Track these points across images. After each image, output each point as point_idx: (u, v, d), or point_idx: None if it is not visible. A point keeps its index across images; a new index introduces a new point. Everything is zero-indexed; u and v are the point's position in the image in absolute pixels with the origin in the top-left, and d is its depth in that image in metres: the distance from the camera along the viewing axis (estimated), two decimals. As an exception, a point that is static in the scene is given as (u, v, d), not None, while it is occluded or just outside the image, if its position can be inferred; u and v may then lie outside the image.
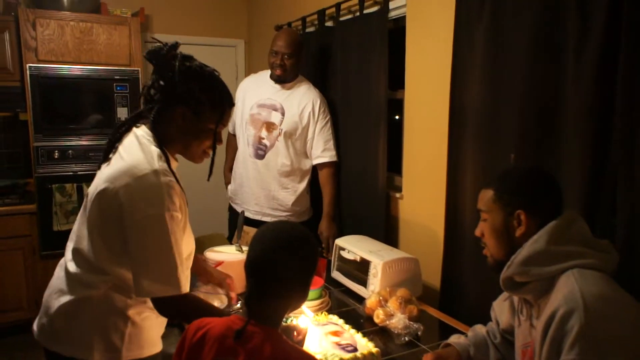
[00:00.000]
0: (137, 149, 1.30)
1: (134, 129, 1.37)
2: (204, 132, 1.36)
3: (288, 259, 1.08)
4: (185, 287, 1.29)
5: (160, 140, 1.32)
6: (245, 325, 1.05)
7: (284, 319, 1.19)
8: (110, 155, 1.34)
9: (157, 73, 1.34)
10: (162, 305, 1.28)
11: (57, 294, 1.35)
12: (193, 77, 1.33)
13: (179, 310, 1.31)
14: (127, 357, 1.30)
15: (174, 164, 1.37)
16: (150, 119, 1.33)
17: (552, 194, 1.22)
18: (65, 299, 1.32)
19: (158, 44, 1.33)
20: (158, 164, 1.27)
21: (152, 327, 1.35)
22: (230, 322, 1.10)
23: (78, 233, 1.35)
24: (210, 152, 1.42)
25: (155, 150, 1.30)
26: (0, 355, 3.00)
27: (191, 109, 1.32)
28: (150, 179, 1.24)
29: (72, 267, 1.33)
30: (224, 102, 1.37)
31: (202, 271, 1.72)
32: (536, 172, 1.26)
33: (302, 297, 1.15)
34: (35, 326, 1.38)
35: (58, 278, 1.38)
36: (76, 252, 1.34)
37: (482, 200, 1.28)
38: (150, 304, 1.31)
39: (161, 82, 1.32)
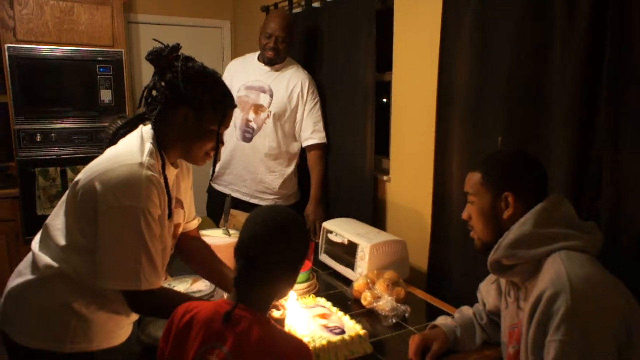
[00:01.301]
0: (133, 142, 1.30)
1: (141, 126, 1.37)
2: (206, 133, 1.35)
3: (281, 242, 1.08)
4: (153, 283, 1.25)
5: (161, 141, 1.32)
6: (234, 308, 1.05)
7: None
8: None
9: (158, 74, 1.33)
10: (130, 300, 1.26)
11: (15, 274, 1.34)
12: (195, 78, 1.31)
13: (150, 306, 1.28)
14: (73, 349, 1.27)
15: (171, 170, 1.35)
16: (152, 119, 1.32)
17: (538, 176, 1.23)
18: (18, 281, 1.31)
19: (159, 45, 1.32)
20: (145, 158, 1.26)
21: (103, 321, 1.31)
22: (217, 306, 1.09)
23: (55, 212, 1.33)
24: (212, 154, 1.41)
25: (149, 146, 1.29)
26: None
27: (193, 109, 1.31)
28: (132, 169, 1.22)
29: (35, 245, 1.32)
30: (225, 102, 1.37)
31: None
32: (523, 155, 1.27)
33: (291, 283, 1.15)
34: None
35: (25, 259, 1.36)
36: (45, 229, 1.32)
37: (469, 183, 1.29)
38: (100, 298, 1.28)
39: (162, 84, 1.32)
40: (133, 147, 1.28)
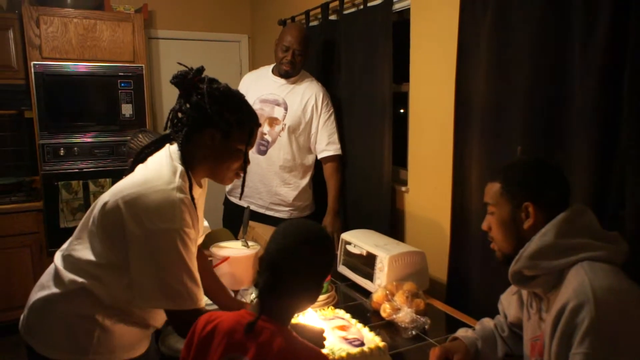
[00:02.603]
0: (164, 164, 1.32)
1: (168, 146, 1.39)
2: (233, 153, 1.38)
3: (309, 256, 1.08)
4: (198, 301, 1.27)
5: (188, 162, 1.34)
6: (257, 319, 1.05)
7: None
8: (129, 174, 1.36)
9: (183, 97, 1.36)
10: (176, 319, 1.28)
11: (38, 287, 1.36)
12: (221, 99, 1.34)
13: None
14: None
15: (197, 190, 1.37)
16: (179, 141, 1.35)
17: (559, 185, 1.21)
18: (41, 294, 1.32)
19: (183, 68, 1.36)
20: (177, 181, 1.28)
21: (125, 332, 1.32)
22: (239, 316, 1.10)
23: (81, 229, 1.34)
24: (241, 174, 1.44)
25: (180, 167, 1.32)
26: (11, 352, 3.03)
27: (220, 130, 1.34)
28: (165, 194, 1.24)
29: (58, 260, 1.33)
30: (251, 122, 1.40)
31: None
32: (543, 164, 1.25)
33: (314, 297, 1.15)
34: (21, 317, 1.39)
35: (46, 272, 1.38)
36: (70, 246, 1.34)
37: (488, 194, 1.27)
38: (120, 311, 1.30)
39: (188, 106, 1.34)
40: (164, 170, 1.30)
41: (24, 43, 3.24)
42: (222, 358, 1.05)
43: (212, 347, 1.07)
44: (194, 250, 1.29)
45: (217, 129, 1.33)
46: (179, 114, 1.37)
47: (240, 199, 1.60)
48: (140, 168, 1.36)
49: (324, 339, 1.35)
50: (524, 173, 1.24)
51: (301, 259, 1.08)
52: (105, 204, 1.27)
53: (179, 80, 1.34)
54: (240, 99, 1.40)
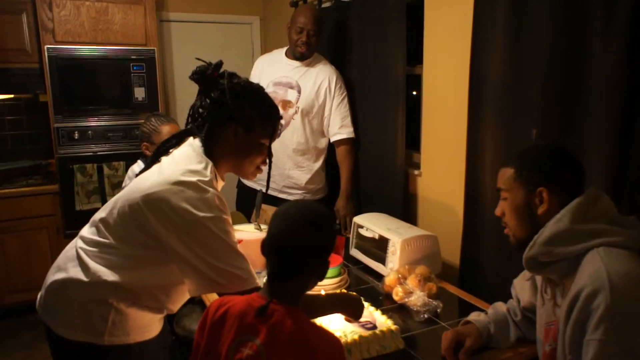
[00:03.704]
0: (192, 157, 1.34)
1: (190, 139, 1.41)
2: (256, 147, 1.40)
3: (312, 235, 1.09)
4: (256, 280, 1.31)
5: (212, 157, 1.36)
6: (269, 302, 1.06)
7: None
8: (153, 165, 1.38)
9: (204, 93, 1.37)
10: None
11: (55, 269, 1.38)
12: (242, 93, 1.35)
13: None
14: (111, 341, 1.30)
15: (220, 184, 1.39)
16: (202, 137, 1.37)
17: (574, 170, 1.19)
18: (58, 276, 1.34)
19: (202, 64, 1.36)
20: (209, 175, 1.31)
21: (138, 315, 1.34)
22: (250, 300, 1.11)
23: (107, 225, 1.34)
24: (263, 167, 1.46)
25: (210, 162, 1.34)
26: (32, 330, 3.11)
27: (242, 125, 1.35)
28: (201, 186, 1.27)
29: (83, 250, 1.34)
30: (272, 116, 1.41)
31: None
32: (557, 149, 1.23)
33: (321, 275, 1.15)
34: (38, 297, 1.42)
35: (63, 254, 1.40)
36: (98, 237, 1.34)
37: (501, 179, 1.26)
38: (133, 295, 1.31)
39: (209, 101, 1.35)
40: (195, 164, 1.32)
41: (37, 27, 3.25)
42: (234, 340, 1.07)
43: (224, 330, 1.09)
44: (234, 235, 1.31)
45: (240, 123, 1.35)
46: (200, 110, 1.38)
47: (266, 191, 1.61)
48: (167, 162, 1.37)
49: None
50: (538, 158, 1.22)
51: (304, 240, 1.08)
52: (137, 202, 1.28)
53: (198, 76, 1.35)
54: (261, 93, 1.41)
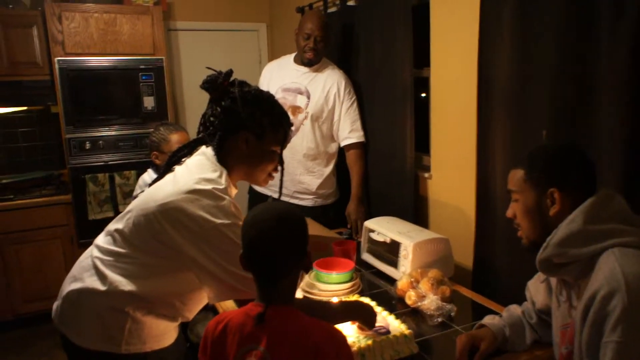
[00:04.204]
0: (206, 166, 1.35)
1: (202, 148, 1.42)
2: (268, 154, 1.41)
3: (285, 231, 1.09)
4: None
5: (224, 165, 1.37)
6: (265, 309, 1.07)
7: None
8: (167, 175, 1.40)
9: (214, 101, 1.38)
10: None
11: (70, 279, 1.39)
12: (253, 101, 1.36)
13: None
14: (128, 350, 1.31)
15: (233, 192, 1.40)
16: (214, 145, 1.38)
17: (585, 170, 1.18)
18: (74, 286, 1.35)
19: (213, 72, 1.37)
20: (224, 182, 1.33)
21: (154, 324, 1.35)
22: (246, 310, 1.12)
23: (123, 235, 1.35)
24: (275, 174, 1.47)
25: (224, 170, 1.36)
26: (47, 339, 3.14)
27: (254, 133, 1.36)
28: (217, 194, 1.29)
29: (99, 259, 1.34)
30: (283, 123, 1.42)
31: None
32: (567, 149, 1.22)
33: (306, 266, 1.15)
34: (53, 307, 1.43)
35: (78, 264, 1.41)
36: (114, 247, 1.35)
37: (512, 181, 1.25)
38: (148, 304, 1.32)
39: (219, 110, 1.37)
40: (209, 173, 1.33)
41: (47, 39, 3.30)
42: (237, 353, 1.07)
43: (226, 345, 1.10)
44: None
45: (251, 131, 1.36)
46: (211, 118, 1.39)
47: (279, 197, 1.62)
48: (180, 171, 1.38)
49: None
50: (548, 159, 1.21)
51: (277, 239, 1.08)
52: (152, 212, 1.29)
53: (209, 85, 1.37)
54: (272, 100, 1.42)
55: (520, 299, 1.50)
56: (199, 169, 1.35)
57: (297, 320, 1.08)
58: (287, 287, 1.12)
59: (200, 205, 1.26)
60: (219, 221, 1.25)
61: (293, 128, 2.59)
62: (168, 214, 1.27)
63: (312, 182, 2.66)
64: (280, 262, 1.09)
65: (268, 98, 1.41)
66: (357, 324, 1.49)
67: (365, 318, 1.46)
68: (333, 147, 2.69)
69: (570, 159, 1.19)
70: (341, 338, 1.10)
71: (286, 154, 2.60)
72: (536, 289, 1.42)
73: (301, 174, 2.65)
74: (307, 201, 2.69)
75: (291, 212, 1.13)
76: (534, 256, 1.18)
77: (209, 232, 1.25)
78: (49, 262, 3.35)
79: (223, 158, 1.37)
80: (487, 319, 1.46)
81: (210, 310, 2.03)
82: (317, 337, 1.06)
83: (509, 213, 1.27)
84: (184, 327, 1.89)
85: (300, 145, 2.62)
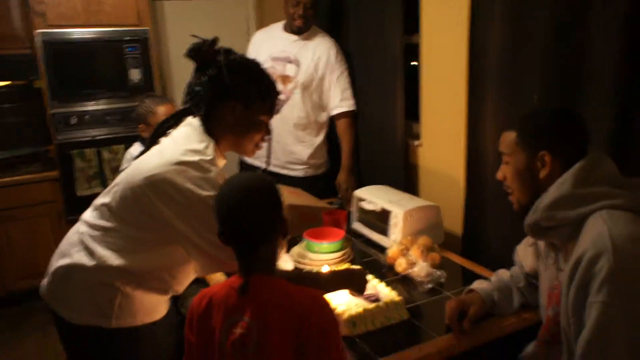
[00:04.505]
0: (193, 137, 1.33)
1: (189, 119, 1.38)
2: (255, 124, 1.38)
3: (260, 198, 1.08)
4: None
5: (211, 136, 1.34)
6: (247, 280, 1.07)
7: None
8: (153, 147, 1.37)
9: (200, 70, 1.34)
10: None
11: (58, 255, 1.38)
12: (239, 70, 1.33)
13: None
14: (118, 324, 1.31)
15: (221, 162, 1.38)
16: (201, 115, 1.35)
17: (577, 134, 1.17)
18: (63, 262, 1.34)
19: (198, 40, 1.33)
20: (211, 153, 1.30)
21: (145, 297, 1.35)
22: (229, 282, 1.12)
23: (109, 209, 1.33)
24: (263, 144, 1.44)
25: (211, 141, 1.33)
26: (40, 315, 3.15)
27: (241, 102, 1.33)
28: (204, 165, 1.27)
29: (87, 234, 1.33)
30: (271, 91, 1.39)
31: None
32: (560, 112, 1.21)
33: (283, 231, 1.14)
34: (42, 283, 1.42)
35: (66, 240, 1.40)
36: (101, 222, 1.33)
37: (504, 143, 1.24)
38: (138, 277, 1.31)
39: (205, 78, 1.33)
40: (196, 144, 1.30)
41: (28, 12, 3.19)
42: (223, 325, 1.08)
43: (212, 320, 1.10)
44: None
45: (238, 100, 1.33)
46: (197, 88, 1.35)
47: (267, 167, 1.61)
48: (167, 143, 1.35)
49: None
50: (540, 121, 1.20)
51: (252, 208, 1.07)
52: (139, 185, 1.27)
53: (193, 53, 1.33)
54: (258, 68, 1.38)
55: (509, 264, 1.51)
56: (185, 140, 1.32)
57: (280, 289, 1.09)
58: (268, 256, 1.12)
59: (187, 177, 1.24)
60: (205, 193, 1.23)
61: (283, 97, 2.57)
62: (155, 186, 1.25)
63: (303, 152, 2.64)
64: (255, 231, 1.08)
65: (255, 66, 1.38)
66: (348, 290, 1.49)
67: (356, 284, 1.47)
68: (323, 117, 2.66)
69: (563, 122, 1.18)
70: (326, 303, 1.10)
71: (277, 124, 2.60)
72: (525, 253, 1.42)
73: (292, 144, 2.63)
74: (299, 172, 2.67)
75: (257, 182, 1.11)
76: (522, 221, 1.18)
77: (196, 204, 1.23)
78: (39, 239, 3.33)
79: (210, 128, 1.35)
80: (476, 284, 1.47)
81: (201, 283, 2.03)
82: (301, 303, 1.06)
83: (499, 175, 1.27)
84: (175, 301, 1.90)
85: (290, 115, 2.59)
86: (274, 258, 1.14)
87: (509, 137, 1.23)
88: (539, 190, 1.15)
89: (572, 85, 1.52)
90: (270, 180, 1.13)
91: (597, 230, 1.03)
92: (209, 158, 1.29)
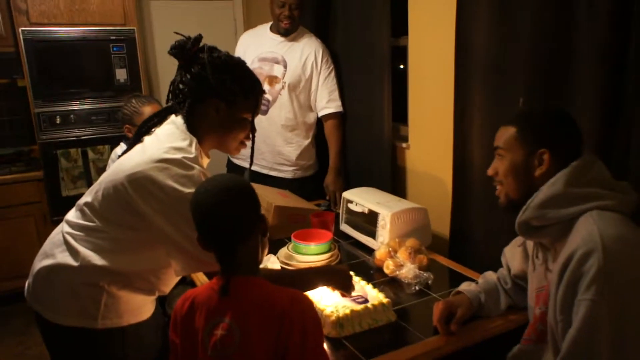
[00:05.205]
0: (176, 135, 1.31)
1: (172, 117, 1.37)
2: (239, 122, 1.37)
3: (237, 198, 1.08)
4: None
5: (195, 134, 1.33)
6: (227, 281, 1.06)
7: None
8: (136, 146, 1.35)
9: (183, 68, 1.33)
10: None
11: (41, 255, 1.36)
12: (222, 67, 1.31)
13: None
14: (104, 325, 1.29)
15: (205, 161, 1.37)
16: (184, 113, 1.33)
17: (575, 136, 1.19)
18: (46, 262, 1.32)
19: (181, 38, 1.32)
20: (194, 152, 1.29)
21: (130, 298, 1.33)
22: (211, 284, 1.11)
23: (92, 209, 1.32)
24: (247, 143, 1.43)
25: (194, 139, 1.32)
26: (22, 317, 3.09)
27: (224, 100, 1.32)
28: (186, 164, 1.25)
29: (70, 234, 1.31)
30: (254, 89, 1.37)
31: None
32: (561, 112, 1.22)
33: (264, 230, 1.13)
34: (26, 285, 1.40)
35: (49, 240, 1.38)
36: (84, 221, 1.32)
37: (501, 138, 1.25)
38: (123, 277, 1.30)
39: (189, 77, 1.32)
40: (179, 142, 1.29)
41: (10, 9, 3.14)
42: (205, 328, 1.07)
43: (195, 321, 1.10)
44: None
45: (221, 98, 1.32)
46: (180, 86, 1.34)
47: (250, 167, 1.59)
48: (150, 141, 1.34)
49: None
50: (543, 119, 1.21)
51: (231, 204, 1.06)
52: (121, 183, 1.25)
53: (177, 51, 1.31)
54: (242, 66, 1.37)
55: (496, 266, 1.51)
56: (168, 138, 1.31)
57: (261, 289, 1.08)
58: (248, 256, 1.11)
59: (169, 174, 1.23)
60: (187, 191, 1.21)
61: (270, 98, 2.56)
62: (136, 184, 1.24)
63: (292, 153, 2.63)
64: (232, 230, 1.07)
65: (238, 64, 1.37)
66: (334, 289, 1.48)
67: (340, 281, 1.44)
68: (311, 118, 2.66)
69: (563, 122, 1.20)
70: (306, 302, 1.10)
71: (264, 125, 2.59)
72: (512, 254, 1.43)
73: (280, 145, 2.62)
74: (287, 173, 2.67)
75: (231, 181, 1.10)
76: (510, 222, 1.18)
77: (177, 202, 1.21)
78: (23, 240, 3.27)
79: (193, 126, 1.33)
80: (464, 286, 1.48)
81: (188, 284, 2.02)
82: (281, 303, 1.05)
83: (490, 171, 1.27)
84: (162, 301, 1.88)
85: (278, 116, 2.58)
86: (255, 258, 1.13)
87: (507, 132, 1.23)
88: (531, 187, 1.16)
89: (558, 88, 1.53)
90: (243, 179, 1.13)
91: (588, 230, 1.04)
92: (192, 156, 1.28)
